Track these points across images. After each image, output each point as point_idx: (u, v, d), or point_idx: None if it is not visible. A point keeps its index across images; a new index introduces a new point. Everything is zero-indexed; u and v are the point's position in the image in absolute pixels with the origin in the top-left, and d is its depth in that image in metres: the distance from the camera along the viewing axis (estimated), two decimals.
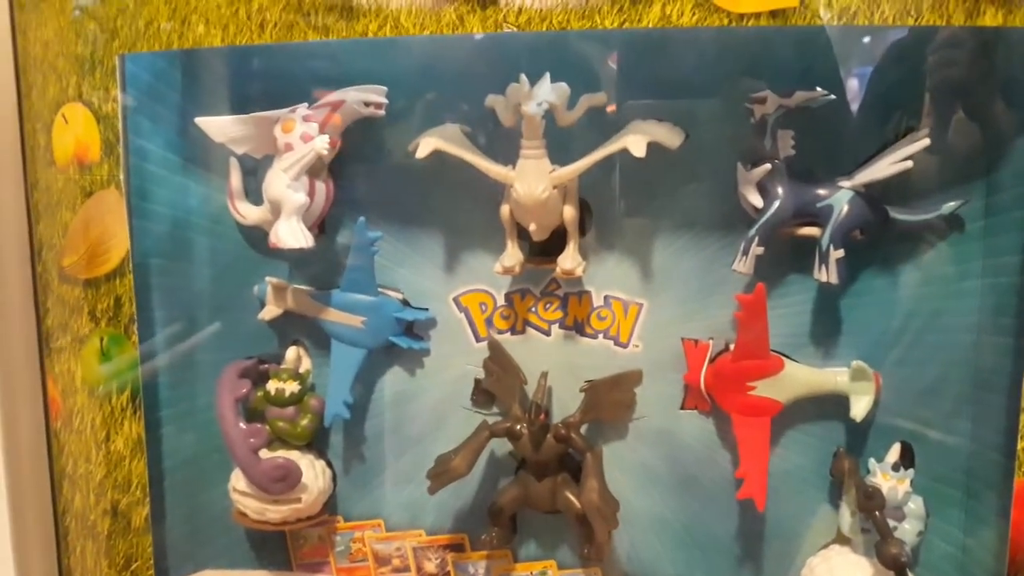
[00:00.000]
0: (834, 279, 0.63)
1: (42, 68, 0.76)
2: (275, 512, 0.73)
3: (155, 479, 0.76)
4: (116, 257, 0.74)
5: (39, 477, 0.81)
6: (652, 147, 0.63)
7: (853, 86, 0.65)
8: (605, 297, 0.71)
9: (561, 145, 0.65)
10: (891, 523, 0.65)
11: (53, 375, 0.80)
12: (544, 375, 0.71)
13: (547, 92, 0.63)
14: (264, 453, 0.72)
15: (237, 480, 0.73)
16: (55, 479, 0.82)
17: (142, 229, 0.74)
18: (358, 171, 0.72)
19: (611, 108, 0.66)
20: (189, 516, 0.78)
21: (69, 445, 0.80)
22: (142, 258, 0.74)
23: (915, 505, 0.66)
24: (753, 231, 0.64)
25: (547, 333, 0.72)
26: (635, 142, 0.62)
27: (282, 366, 0.74)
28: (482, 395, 0.73)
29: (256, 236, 0.73)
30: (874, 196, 0.64)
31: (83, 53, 0.73)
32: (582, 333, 0.72)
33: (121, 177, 0.72)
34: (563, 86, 0.64)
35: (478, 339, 0.73)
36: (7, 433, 0.81)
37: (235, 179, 0.73)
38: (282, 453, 0.73)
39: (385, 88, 0.68)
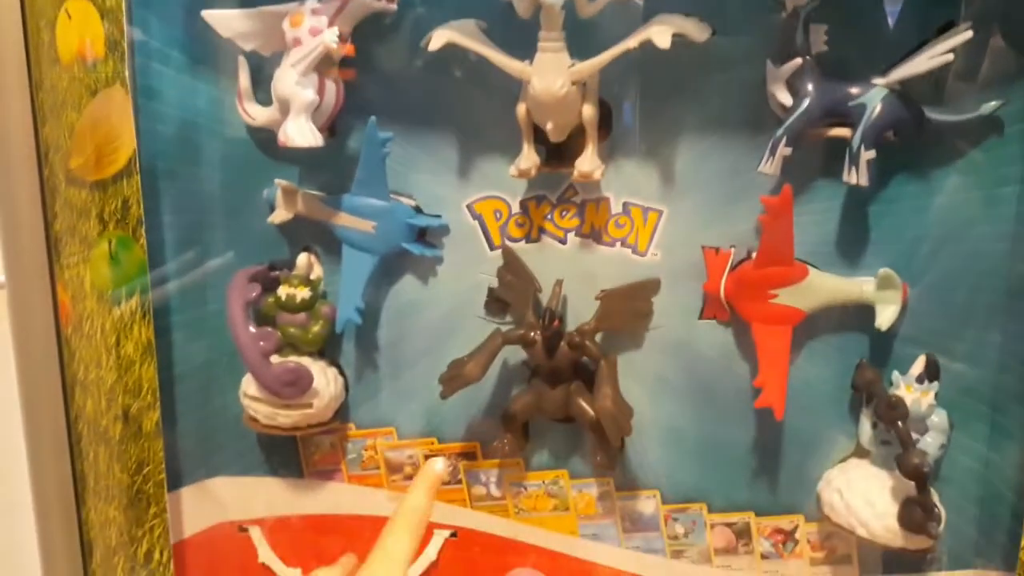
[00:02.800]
0: (864, 182, 0.60)
1: None
2: (286, 417, 0.72)
3: (166, 384, 0.75)
4: (123, 157, 0.72)
5: (51, 383, 0.81)
6: (676, 43, 0.59)
7: None
8: (624, 204, 0.69)
9: (581, 39, 0.62)
10: (913, 435, 0.63)
11: (63, 280, 0.79)
12: (559, 283, 0.69)
13: None
14: (275, 359, 0.72)
15: (248, 385, 0.73)
16: (67, 385, 0.82)
17: (149, 129, 0.72)
18: (368, 72, 0.69)
19: None
20: (200, 422, 0.78)
21: (80, 351, 0.79)
22: (149, 159, 0.72)
23: (938, 418, 0.65)
24: (781, 131, 0.61)
25: (563, 241, 0.70)
26: (659, 33, 0.59)
27: (293, 272, 0.73)
28: (495, 304, 0.72)
29: (266, 138, 0.71)
30: (909, 95, 0.61)
31: None
32: (599, 241, 0.70)
33: (126, 75, 0.70)
34: None
35: (492, 247, 0.71)
36: (19, 341, 0.81)
37: (243, 78, 0.70)
38: (293, 359, 0.72)
39: None
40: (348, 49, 0.67)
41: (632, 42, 0.61)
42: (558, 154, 0.68)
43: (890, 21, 0.60)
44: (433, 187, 0.71)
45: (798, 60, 0.60)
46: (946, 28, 0.60)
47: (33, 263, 0.80)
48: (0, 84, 0.76)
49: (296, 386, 0.70)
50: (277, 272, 0.74)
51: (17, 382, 0.82)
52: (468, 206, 0.71)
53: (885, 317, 0.63)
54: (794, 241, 0.63)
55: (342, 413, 0.76)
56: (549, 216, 0.70)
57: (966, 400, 0.66)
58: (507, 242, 0.71)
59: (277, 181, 0.71)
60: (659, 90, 0.66)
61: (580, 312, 0.70)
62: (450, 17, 0.65)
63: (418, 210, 0.72)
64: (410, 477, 0.76)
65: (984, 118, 0.61)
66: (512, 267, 0.70)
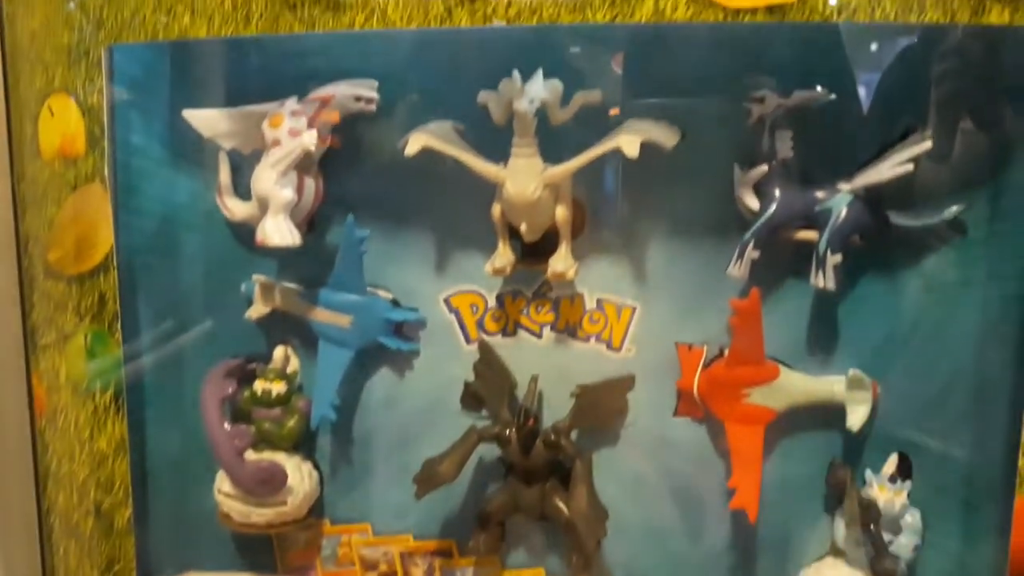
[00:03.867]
0: (831, 285, 0.61)
1: (29, 58, 0.75)
2: (260, 515, 0.71)
3: (138, 480, 0.74)
4: (100, 253, 0.73)
5: (24, 476, 0.80)
6: (647, 147, 0.61)
7: (853, 86, 0.63)
8: (598, 300, 0.69)
9: (553, 144, 0.64)
10: (887, 536, 0.63)
11: (38, 372, 0.79)
12: (535, 379, 0.69)
13: (539, 89, 0.61)
14: (250, 454, 0.71)
15: (222, 482, 0.72)
16: (40, 478, 0.81)
17: (127, 224, 0.72)
18: (348, 168, 0.70)
19: (614, 111, 0.64)
20: (173, 518, 0.77)
21: (54, 443, 0.79)
22: (127, 254, 0.72)
23: (912, 518, 0.65)
24: (749, 234, 0.62)
25: (539, 336, 0.71)
26: (628, 142, 0.60)
27: (269, 366, 0.73)
28: (471, 398, 0.72)
29: (245, 233, 0.72)
30: (874, 200, 0.62)
31: (70, 43, 0.72)
32: (574, 336, 0.70)
33: (106, 171, 0.71)
34: (556, 83, 0.63)
35: (468, 340, 0.72)
36: None
37: (224, 174, 0.71)
38: (268, 455, 0.72)
39: (376, 83, 0.67)
40: (332, 142, 0.68)
41: (602, 149, 0.62)
42: (533, 251, 0.69)
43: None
44: (410, 281, 0.72)
45: (764, 167, 0.62)
46: (907, 134, 0.62)
47: (9, 353, 0.80)
48: None
49: (270, 484, 0.70)
50: (253, 365, 0.74)
51: None
52: (445, 300, 0.72)
53: (856, 418, 0.64)
54: (764, 341, 0.64)
55: (317, 508, 0.75)
56: (525, 311, 0.71)
57: (939, 499, 0.66)
58: (483, 336, 0.71)
59: (255, 277, 0.71)
60: (631, 190, 0.67)
61: (556, 407, 0.70)
62: (428, 118, 0.67)
63: (395, 303, 0.72)
64: (385, 574, 0.75)
65: (948, 222, 0.63)
66: (488, 361, 0.70)
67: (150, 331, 0.74)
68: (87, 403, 0.75)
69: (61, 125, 0.73)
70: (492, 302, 0.71)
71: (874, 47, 0.62)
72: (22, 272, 0.79)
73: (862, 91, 0.63)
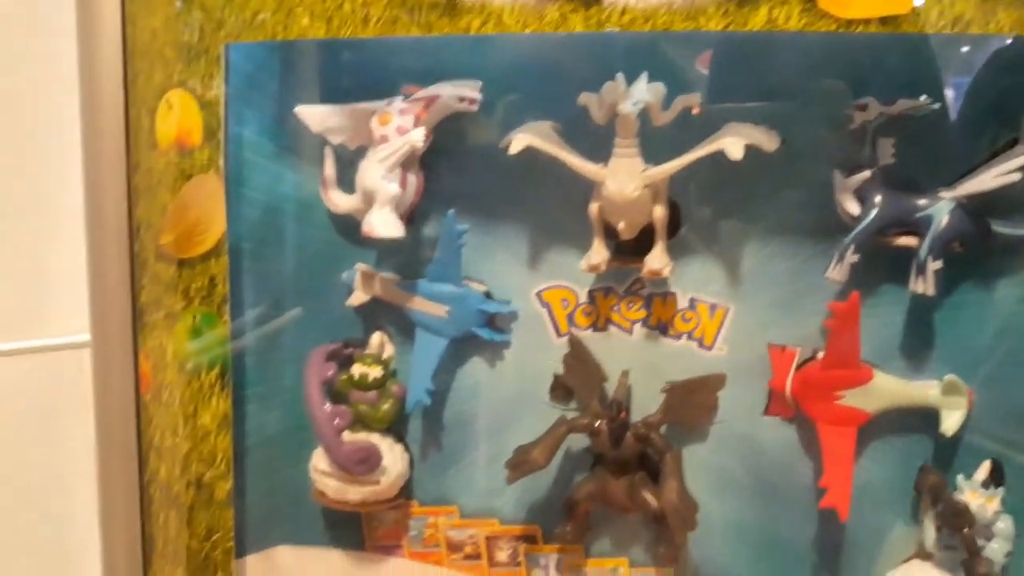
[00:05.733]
0: (931, 291, 0.62)
1: (149, 55, 0.79)
2: (354, 493, 0.74)
3: (239, 455, 0.78)
4: (212, 238, 0.76)
5: (128, 445, 0.84)
6: (746, 150, 0.62)
7: (958, 95, 0.63)
8: (691, 299, 0.71)
9: (646, 144, 0.65)
10: (979, 542, 0.63)
11: (145, 350, 0.83)
12: (625, 373, 0.71)
13: (643, 91, 0.63)
14: (346, 435, 0.74)
15: (319, 460, 0.75)
16: (142, 449, 0.85)
17: (237, 213, 0.76)
18: (447, 164, 0.73)
19: (696, 110, 0.65)
20: (269, 493, 0.80)
21: (157, 417, 0.83)
22: (236, 241, 0.76)
23: (1004, 525, 0.65)
24: (849, 238, 0.63)
25: (629, 332, 0.73)
26: (733, 144, 0.62)
27: (367, 351, 0.76)
28: (561, 390, 0.74)
29: (346, 224, 0.75)
30: (976, 208, 0.62)
31: (190, 41, 0.75)
32: (665, 334, 0.72)
33: (221, 162, 0.75)
34: (659, 86, 0.64)
35: (559, 334, 0.74)
36: (100, 400, 0.84)
37: (329, 168, 0.74)
38: (363, 436, 0.75)
39: (480, 84, 0.69)
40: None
41: (705, 151, 0.64)
42: (627, 248, 0.70)
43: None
44: (503, 275, 0.74)
45: (867, 172, 0.63)
46: (1012, 144, 0.62)
47: (118, 329, 0.84)
48: (101, 164, 0.81)
49: (366, 463, 0.73)
50: (350, 350, 0.77)
51: (95, 440, 0.85)
52: (537, 294, 0.74)
53: (951, 423, 0.64)
54: (860, 344, 0.65)
55: (406, 490, 0.78)
56: (616, 307, 0.73)
57: None
58: (574, 330, 0.73)
59: (358, 265, 0.74)
60: (727, 192, 0.68)
61: (644, 403, 0.72)
62: (526, 118, 0.69)
63: (488, 296, 0.75)
64: (470, 556, 0.78)
65: None
66: (578, 355, 0.72)
67: (255, 313, 0.78)
68: (193, 380, 0.79)
69: (178, 118, 0.77)
70: (583, 298, 0.73)
71: (981, 57, 0.62)
72: (133, 256, 0.83)
73: (965, 101, 0.63)
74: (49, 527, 0.99)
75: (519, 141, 0.67)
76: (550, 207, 0.72)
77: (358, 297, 0.75)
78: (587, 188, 0.68)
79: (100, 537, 0.86)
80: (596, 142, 0.67)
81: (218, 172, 0.75)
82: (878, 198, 0.63)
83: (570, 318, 0.74)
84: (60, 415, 0.97)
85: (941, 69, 0.63)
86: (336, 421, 0.73)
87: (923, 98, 0.62)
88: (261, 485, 0.80)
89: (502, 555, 0.77)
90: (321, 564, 0.81)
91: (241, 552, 0.80)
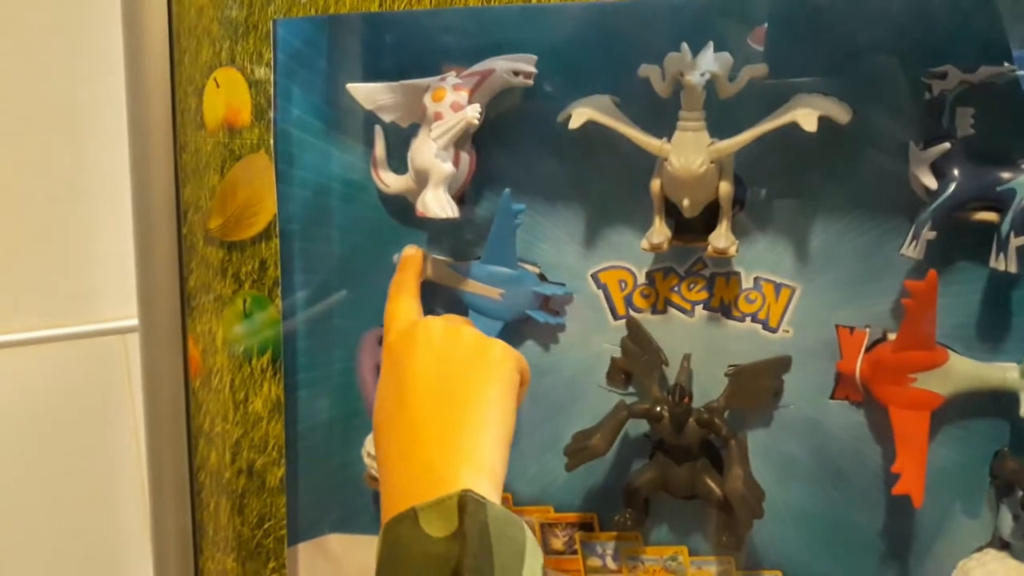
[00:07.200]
0: (1013, 268, 0.59)
1: (196, 33, 0.78)
2: None
3: (291, 441, 0.77)
4: (263, 221, 0.75)
5: (177, 432, 0.84)
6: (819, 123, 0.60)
7: None
8: (755, 279, 0.68)
9: (719, 118, 0.63)
10: None
11: (194, 335, 0.82)
12: (687, 357, 0.69)
13: (710, 62, 0.61)
14: None
15: (371, 444, 0.74)
16: (192, 435, 0.84)
17: (287, 194, 0.75)
18: (499, 141, 0.71)
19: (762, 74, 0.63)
20: (319, 479, 0.79)
21: (207, 403, 0.82)
22: (287, 223, 0.75)
23: None
24: (926, 214, 0.60)
25: (690, 314, 0.70)
26: (806, 116, 0.59)
27: None
28: (618, 374, 0.72)
29: (396, 205, 0.73)
30: None
31: (238, 18, 0.74)
32: (728, 316, 0.69)
33: (271, 142, 0.73)
34: (726, 55, 0.62)
35: (616, 317, 0.72)
36: (149, 386, 0.84)
37: (379, 147, 0.73)
38: None
39: (535, 57, 0.67)
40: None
41: (775, 123, 0.61)
42: (687, 227, 0.68)
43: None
44: (558, 256, 0.72)
45: (946, 144, 0.60)
46: None
47: (167, 314, 0.84)
48: (147, 146, 0.81)
49: None
50: None
51: (144, 426, 0.85)
52: (593, 275, 0.72)
53: None
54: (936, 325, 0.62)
55: None
56: (676, 288, 0.71)
57: None
58: (632, 313, 0.71)
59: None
60: (795, 167, 0.66)
61: (706, 387, 0.70)
62: (584, 92, 0.67)
63: (542, 278, 0.73)
64: None
65: None
66: (637, 338, 0.70)
67: (306, 296, 0.77)
68: (244, 366, 0.78)
69: (227, 97, 0.76)
70: (642, 279, 0.71)
71: None
72: (181, 239, 0.83)
73: None
74: (98, 514, 1.00)
75: (579, 115, 0.65)
76: (607, 184, 0.70)
77: None
78: (645, 164, 0.66)
79: (150, 525, 0.85)
80: (653, 116, 0.64)
81: (268, 152, 0.74)
82: (956, 171, 0.60)
83: (628, 300, 0.72)
84: (108, 401, 0.97)
85: None
86: None
87: (1007, 65, 0.59)
88: (313, 472, 0.79)
89: (557, 543, 0.75)
90: (373, 552, 0.80)
91: (293, 540, 0.79)
